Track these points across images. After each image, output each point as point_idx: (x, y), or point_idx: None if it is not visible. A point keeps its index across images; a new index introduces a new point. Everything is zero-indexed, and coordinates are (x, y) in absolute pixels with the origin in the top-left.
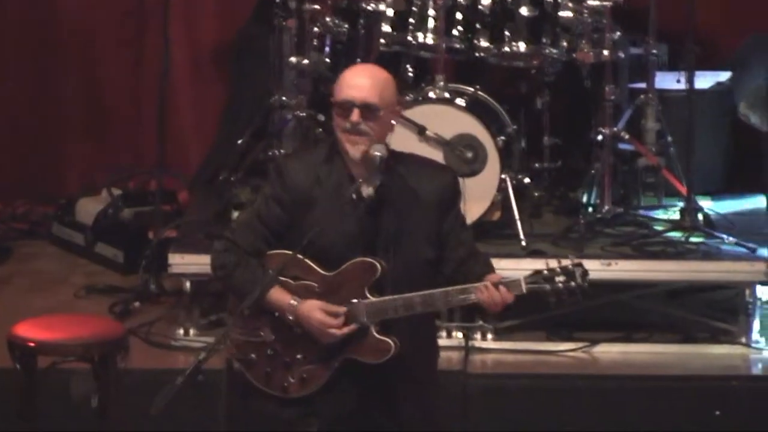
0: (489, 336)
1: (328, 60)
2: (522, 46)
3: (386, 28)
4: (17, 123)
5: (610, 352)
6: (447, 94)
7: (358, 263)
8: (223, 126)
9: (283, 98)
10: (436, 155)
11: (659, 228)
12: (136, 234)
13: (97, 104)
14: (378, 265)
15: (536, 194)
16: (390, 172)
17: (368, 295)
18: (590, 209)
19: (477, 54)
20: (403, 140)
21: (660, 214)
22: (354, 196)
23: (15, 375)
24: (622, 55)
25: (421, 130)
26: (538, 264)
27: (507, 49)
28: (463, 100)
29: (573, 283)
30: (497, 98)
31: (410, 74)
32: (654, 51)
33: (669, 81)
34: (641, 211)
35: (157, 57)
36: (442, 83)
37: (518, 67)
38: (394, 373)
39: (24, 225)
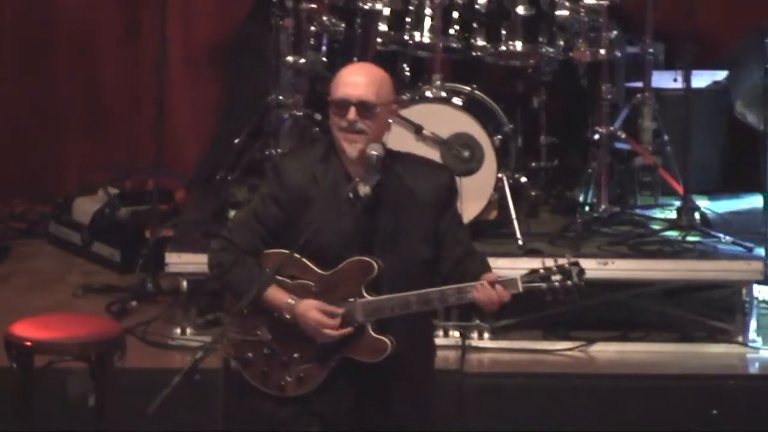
0: (486, 335)
1: (325, 59)
2: (519, 45)
3: (383, 27)
4: (15, 123)
5: (606, 351)
6: (444, 93)
7: (354, 262)
8: (220, 125)
9: (280, 97)
10: (433, 154)
11: (656, 227)
12: (133, 233)
13: (95, 104)
14: (375, 264)
15: (533, 193)
16: (387, 171)
17: (365, 294)
18: (587, 208)
19: (474, 53)
20: (399, 139)
21: (657, 213)
22: (351, 195)
23: (12, 374)
24: (618, 54)
25: (417, 129)
26: (535, 263)
27: (504, 48)
28: (460, 99)
29: (569, 282)
30: (494, 97)
31: (407, 73)
32: (651, 50)
33: (666, 80)
34: (638, 210)
35: (154, 56)
36: (438, 82)
37: (515, 66)
38: (391, 372)
39: (22, 224)
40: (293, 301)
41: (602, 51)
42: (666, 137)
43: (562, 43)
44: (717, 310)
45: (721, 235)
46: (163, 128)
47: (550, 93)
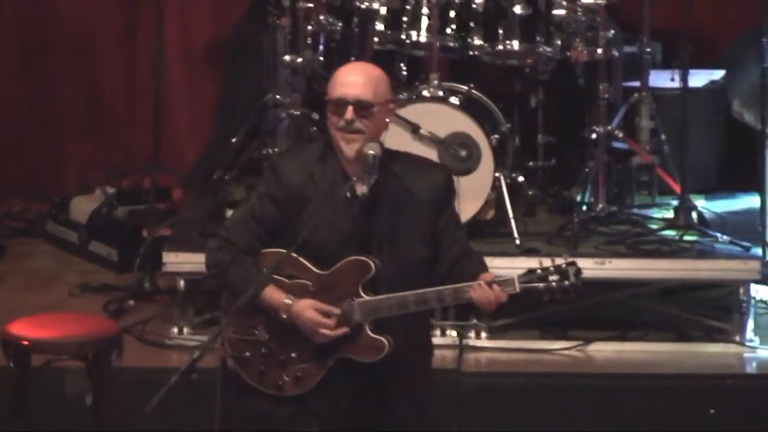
0: (483, 334)
1: (321, 58)
2: (516, 45)
3: (380, 26)
4: (15, 122)
5: (604, 350)
6: (441, 93)
7: (352, 262)
8: (217, 124)
9: (277, 96)
10: (430, 154)
11: (653, 226)
12: (131, 232)
13: (95, 103)
14: (372, 264)
15: (530, 193)
16: (384, 170)
17: (362, 294)
18: (584, 208)
19: (471, 52)
20: (397, 139)
21: (654, 213)
22: (348, 194)
23: (9, 373)
24: (616, 53)
25: (414, 129)
26: (532, 262)
27: (501, 47)
28: (457, 99)
29: (566, 282)
30: (491, 96)
31: (404, 73)
32: (648, 49)
33: (663, 79)
34: (635, 210)
35: (152, 56)
36: (435, 81)
37: (512, 66)
38: (388, 371)
39: (19, 223)
40: (290, 301)
41: (599, 50)
42: (663, 136)
43: (559, 42)
44: (714, 309)
45: (719, 235)
46: (161, 127)
47: (548, 92)
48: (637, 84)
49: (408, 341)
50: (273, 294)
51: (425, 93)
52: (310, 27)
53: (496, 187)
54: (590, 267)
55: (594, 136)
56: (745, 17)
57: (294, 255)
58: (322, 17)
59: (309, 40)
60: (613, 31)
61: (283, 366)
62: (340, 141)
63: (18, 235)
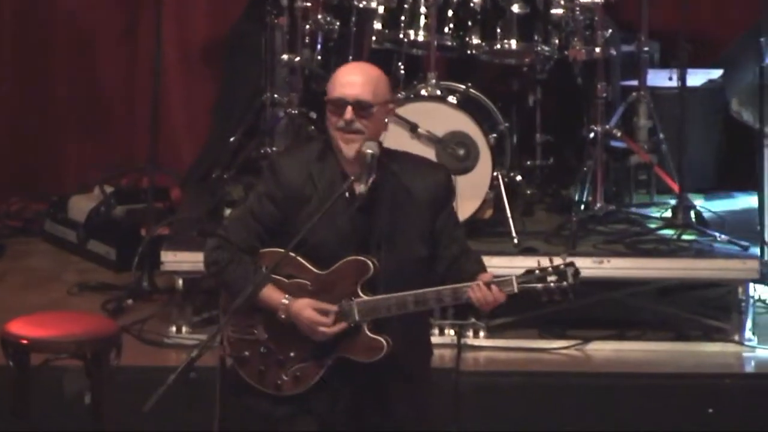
0: (481, 333)
1: (319, 57)
2: (514, 44)
3: (377, 25)
4: (14, 122)
5: (602, 349)
6: (439, 92)
7: (351, 261)
8: (215, 124)
9: (275, 96)
10: (428, 153)
11: (652, 225)
12: (129, 231)
13: (94, 103)
14: (370, 264)
15: (528, 192)
16: (383, 169)
17: (361, 294)
18: (582, 207)
19: (469, 51)
20: (395, 138)
21: (652, 212)
22: (347, 193)
23: (8, 372)
24: (614, 52)
25: (413, 128)
26: (530, 262)
27: (499, 46)
28: (455, 98)
29: (565, 283)
30: (489, 95)
31: (402, 72)
32: (646, 48)
33: (661, 78)
34: (633, 209)
35: (150, 56)
36: (433, 81)
37: (510, 65)
38: (387, 371)
39: (17, 222)
40: (288, 301)
41: (597, 49)
42: (661, 135)
43: (557, 41)
44: (713, 308)
45: (717, 234)
46: (159, 127)
47: (546, 91)
48: (635, 83)
49: (407, 341)
50: (271, 294)
51: (423, 92)
52: (307, 26)
53: (494, 186)
54: (588, 266)
55: (592, 135)
56: (744, 17)
57: (293, 254)
58: (319, 16)
59: (307, 40)
60: (611, 30)
61: (282, 365)
62: (339, 141)
63: (16, 234)
